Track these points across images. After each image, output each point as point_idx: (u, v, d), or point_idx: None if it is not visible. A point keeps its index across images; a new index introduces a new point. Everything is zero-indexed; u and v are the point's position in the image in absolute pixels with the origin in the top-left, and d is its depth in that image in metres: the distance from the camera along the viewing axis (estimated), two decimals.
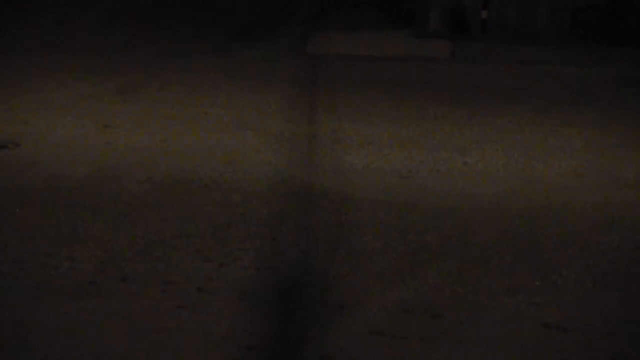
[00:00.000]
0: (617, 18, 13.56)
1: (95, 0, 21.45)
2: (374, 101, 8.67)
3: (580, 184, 6.03)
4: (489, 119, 7.94)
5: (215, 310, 3.96)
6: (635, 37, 13.04)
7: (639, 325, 3.98)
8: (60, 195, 5.56)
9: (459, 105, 8.51)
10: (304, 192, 5.72)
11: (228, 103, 8.51)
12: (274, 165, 6.36)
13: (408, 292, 4.16)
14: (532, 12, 13.76)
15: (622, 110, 8.37)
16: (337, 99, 8.79)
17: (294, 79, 10.09)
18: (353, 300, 4.06)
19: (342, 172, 6.18)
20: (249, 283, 4.26)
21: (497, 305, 4.04)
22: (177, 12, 18.79)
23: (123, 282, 4.25)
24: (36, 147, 6.77)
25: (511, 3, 13.81)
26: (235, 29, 15.35)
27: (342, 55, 11.95)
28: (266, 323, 3.89)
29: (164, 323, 3.83)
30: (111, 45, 12.85)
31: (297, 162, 6.47)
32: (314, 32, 14.47)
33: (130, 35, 14.09)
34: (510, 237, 4.91)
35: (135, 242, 4.75)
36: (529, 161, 6.53)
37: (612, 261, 4.61)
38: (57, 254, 4.56)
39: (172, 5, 20.41)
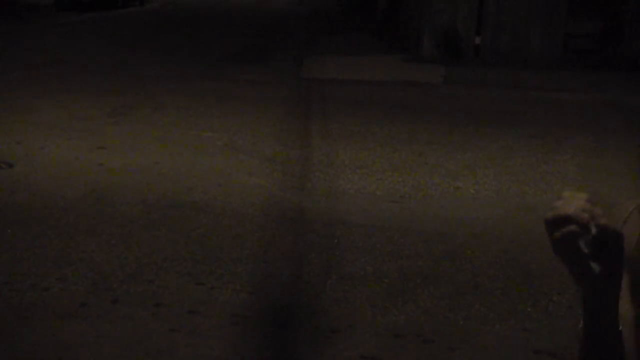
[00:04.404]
0: (607, 44, 13.68)
1: (93, 23, 21.51)
2: (366, 125, 8.70)
3: None
4: (481, 144, 7.97)
5: (207, 333, 3.95)
6: (625, 63, 13.15)
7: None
8: (52, 216, 5.55)
9: (451, 130, 8.55)
10: (297, 216, 5.73)
11: (222, 126, 8.53)
12: (266, 188, 6.37)
13: (400, 316, 4.16)
14: (525, 37, 13.87)
15: (613, 135, 8.42)
16: (330, 123, 8.82)
17: (287, 103, 10.12)
18: (344, 324, 4.06)
19: (334, 196, 6.19)
20: (241, 306, 4.26)
21: (488, 331, 4.04)
22: (174, 34, 18.85)
23: (114, 304, 4.24)
24: (29, 167, 6.77)
25: (504, 29, 13.92)
26: (230, 52, 15.40)
27: (336, 79, 12.01)
28: (258, 346, 3.88)
29: (155, 345, 3.82)
30: (106, 67, 12.89)
31: (290, 186, 6.48)
32: (307, 56, 14.54)
33: (126, 57, 14.13)
34: (502, 262, 4.92)
35: (127, 264, 4.74)
36: (521, 187, 6.55)
37: None
38: (49, 275, 4.55)
39: (169, 28, 20.47)
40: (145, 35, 18.53)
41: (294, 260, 4.92)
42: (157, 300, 4.29)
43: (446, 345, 3.89)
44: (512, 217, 5.83)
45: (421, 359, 3.78)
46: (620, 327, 1.19)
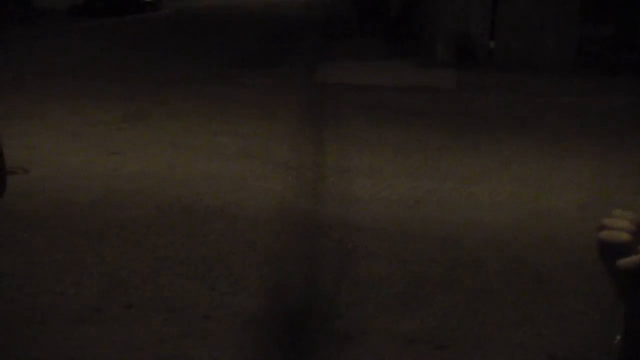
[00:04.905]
0: (620, 49, 13.64)
1: (105, 29, 21.61)
2: (380, 130, 8.70)
3: (585, 215, 6.01)
4: (495, 149, 7.95)
5: (220, 338, 3.95)
6: (638, 67, 13.10)
7: None
8: (66, 221, 5.57)
9: (465, 135, 8.53)
10: (310, 221, 5.72)
11: (234, 131, 8.54)
12: (280, 193, 6.37)
13: (413, 322, 4.14)
14: (539, 42, 13.83)
15: (627, 140, 8.38)
16: (344, 128, 8.82)
17: (300, 108, 10.13)
18: (358, 329, 4.05)
19: (348, 202, 6.18)
20: (254, 311, 4.26)
21: (503, 336, 4.03)
22: (186, 40, 18.91)
23: (128, 309, 4.24)
24: (44, 173, 6.79)
25: (518, 33, 13.88)
26: (243, 57, 15.43)
27: (349, 84, 12.00)
28: (271, 351, 3.88)
29: (168, 350, 3.82)
30: (119, 72, 12.94)
31: (303, 191, 6.48)
32: (320, 61, 14.55)
33: (138, 62, 14.18)
34: (516, 267, 4.90)
35: (141, 269, 4.75)
36: (534, 192, 6.53)
37: None
38: (63, 279, 4.56)
39: (180, 34, 20.54)
40: (158, 41, 18.60)
41: (307, 266, 4.92)
42: (171, 305, 4.29)
43: (460, 351, 3.88)
44: (525, 222, 5.80)
45: None
46: None
